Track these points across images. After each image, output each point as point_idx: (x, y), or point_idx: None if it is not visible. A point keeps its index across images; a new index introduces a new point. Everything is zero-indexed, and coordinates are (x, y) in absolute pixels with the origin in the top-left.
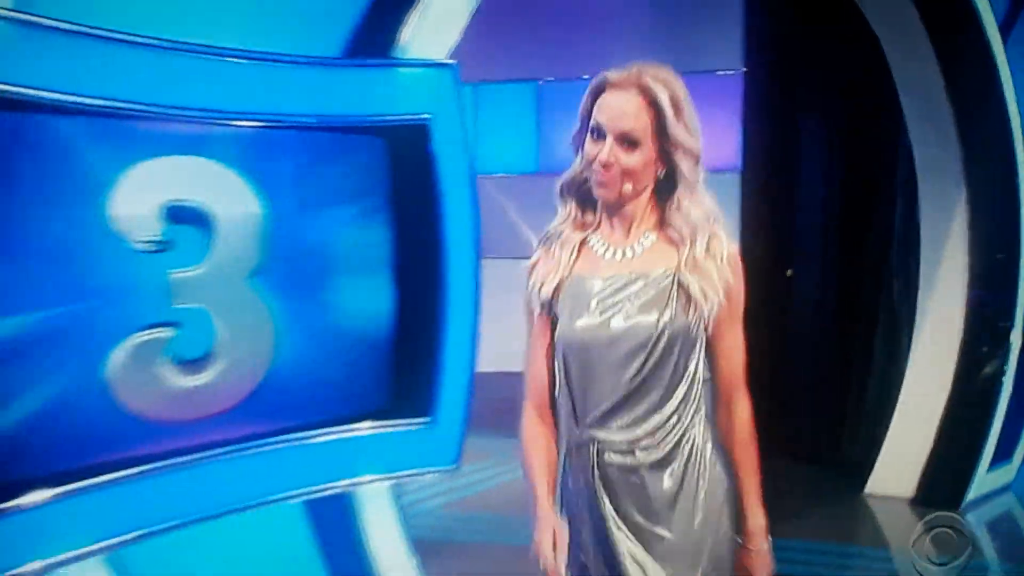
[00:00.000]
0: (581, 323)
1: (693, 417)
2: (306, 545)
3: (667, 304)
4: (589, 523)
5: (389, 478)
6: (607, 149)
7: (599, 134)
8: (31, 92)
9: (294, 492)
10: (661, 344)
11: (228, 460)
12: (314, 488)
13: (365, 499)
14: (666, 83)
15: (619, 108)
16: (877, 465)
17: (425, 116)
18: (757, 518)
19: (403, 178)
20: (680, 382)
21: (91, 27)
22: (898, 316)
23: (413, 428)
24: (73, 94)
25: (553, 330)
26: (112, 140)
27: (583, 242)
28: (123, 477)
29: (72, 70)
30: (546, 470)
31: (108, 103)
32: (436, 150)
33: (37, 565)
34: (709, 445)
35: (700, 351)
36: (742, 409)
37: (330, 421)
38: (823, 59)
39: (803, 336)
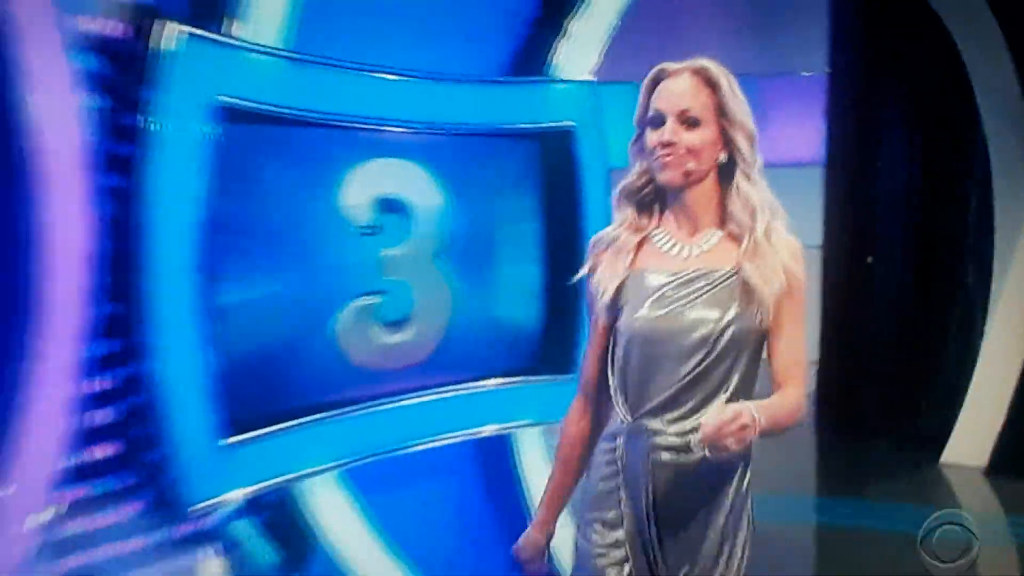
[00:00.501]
0: (644, 315)
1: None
2: (474, 477)
3: (730, 302)
4: (631, 508)
5: (541, 424)
6: (669, 129)
7: (659, 121)
8: (287, 110)
9: (467, 431)
10: (722, 341)
11: (419, 403)
12: (480, 429)
13: (521, 441)
14: (719, 68)
15: (678, 90)
16: (952, 437)
17: (570, 124)
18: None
19: (552, 175)
20: (736, 378)
21: (326, 58)
22: (972, 298)
23: (559, 382)
24: (314, 111)
25: (610, 328)
26: (340, 146)
27: (644, 240)
28: (345, 412)
29: (314, 92)
30: (564, 471)
31: (338, 117)
32: (579, 152)
33: (285, 478)
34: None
35: (759, 351)
36: (790, 399)
37: (494, 374)
38: (902, 61)
39: (884, 318)
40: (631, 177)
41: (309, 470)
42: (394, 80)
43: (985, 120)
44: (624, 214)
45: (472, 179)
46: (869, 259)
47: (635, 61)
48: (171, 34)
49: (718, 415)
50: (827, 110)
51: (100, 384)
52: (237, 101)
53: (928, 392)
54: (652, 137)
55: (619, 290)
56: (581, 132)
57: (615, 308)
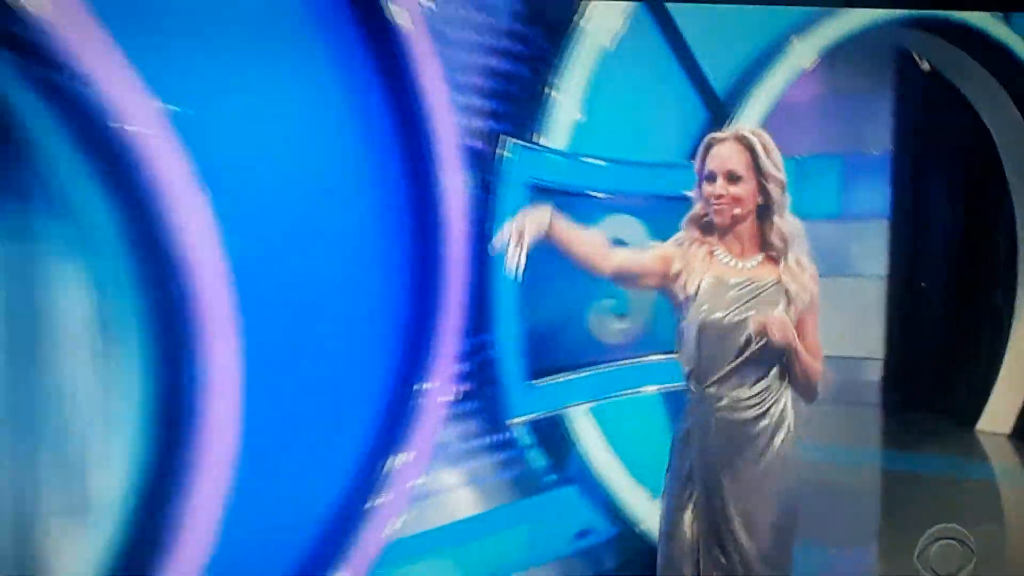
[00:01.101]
0: (718, 315)
1: (783, 388)
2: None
3: (774, 305)
4: (699, 455)
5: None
6: (719, 184)
7: (712, 177)
8: (569, 186)
9: (656, 386)
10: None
11: (630, 366)
12: (667, 385)
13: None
14: (756, 134)
15: (724, 154)
16: (985, 410)
17: None
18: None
19: None
20: (778, 361)
21: (591, 155)
22: (1001, 311)
23: None
24: (583, 187)
25: (659, 277)
26: (596, 207)
27: (711, 252)
28: (592, 370)
29: (584, 175)
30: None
31: (594, 189)
32: None
33: (560, 409)
34: (791, 408)
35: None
36: (816, 368)
37: (661, 351)
38: (948, 140)
39: (932, 324)
40: (695, 209)
41: (573, 404)
42: (624, 165)
43: (1012, 184)
44: (691, 232)
45: (669, 228)
46: (923, 284)
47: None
48: (506, 144)
49: (770, 318)
50: (891, 178)
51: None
52: (542, 181)
53: (966, 376)
54: (707, 189)
55: (699, 287)
56: None
57: (690, 297)
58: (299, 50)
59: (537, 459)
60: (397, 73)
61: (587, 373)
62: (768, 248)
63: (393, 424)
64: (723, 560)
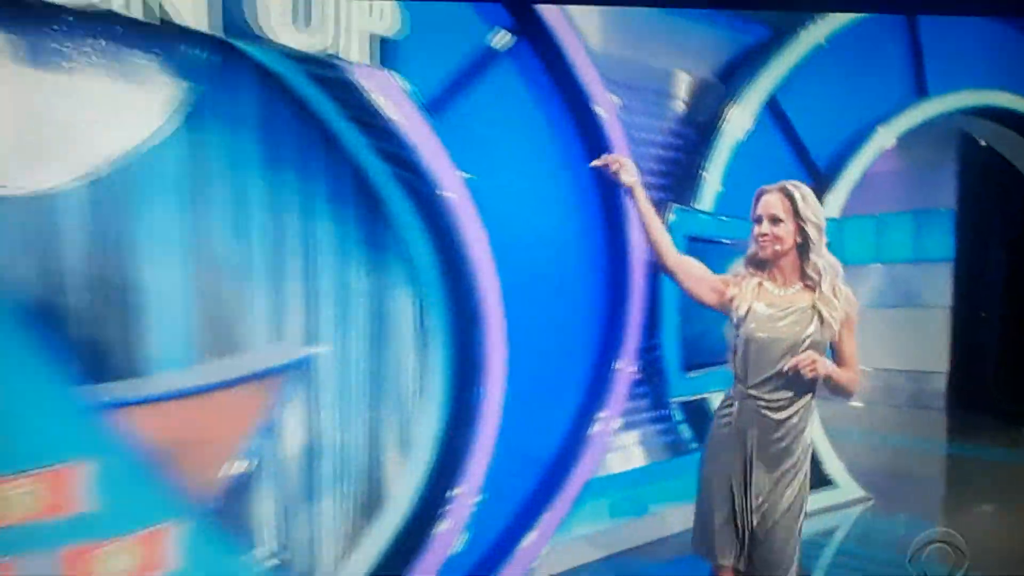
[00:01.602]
0: (760, 333)
1: (812, 393)
2: None
3: (810, 323)
4: (739, 447)
5: None
6: (765, 225)
7: (760, 220)
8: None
9: None
10: (802, 345)
11: None
12: None
13: None
14: (796, 186)
15: (770, 202)
16: None
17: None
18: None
19: None
20: (810, 381)
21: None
22: None
23: None
24: (724, 237)
25: (718, 295)
26: (731, 251)
27: (760, 283)
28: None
29: (726, 229)
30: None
31: (736, 240)
32: None
33: (703, 394)
34: (815, 412)
35: (823, 353)
36: (847, 374)
37: None
38: (1001, 200)
39: (991, 342)
40: (750, 250)
41: (713, 391)
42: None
43: None
44: (747, 268)
45: None
46: (982, 314)
47: None
48: (671, 208)
49: (803, 354)
50: (954, 230)
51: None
52: (694, 233)
53: (1013, 385)
54: (756, 229)
55: (748, 310)
56: None
57: (741, 318)
58: (537, 137)
59: (685, 430)
60: (599, 152)
61: (722, 368)
62: (806, 279)
63: (597, 394)
64: (738, 536)
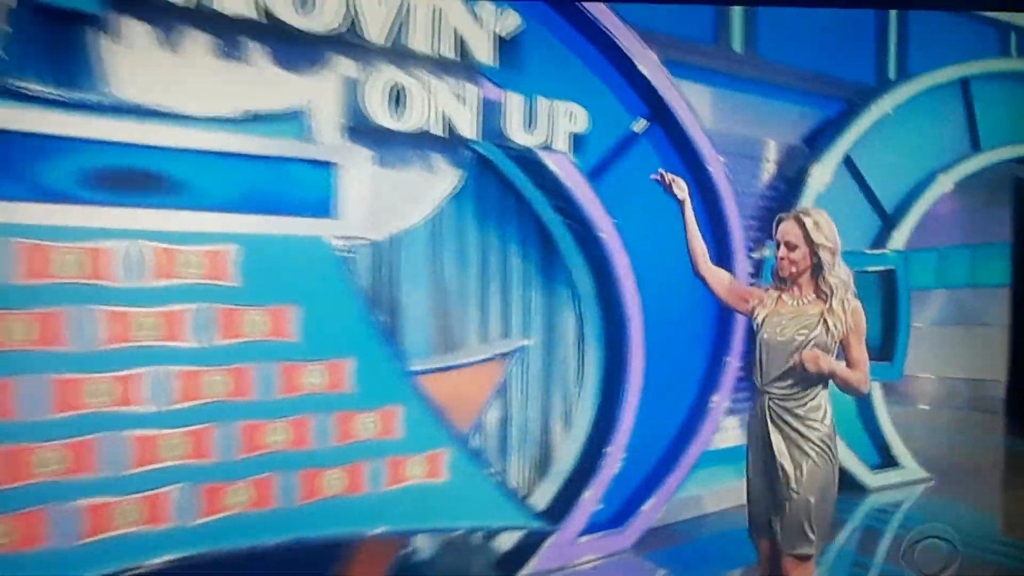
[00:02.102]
0: (776, 337)
1: (822, 389)
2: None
3: (815, 328)
4: (760, 437)
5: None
6: (782, 250)
7: (778, 244)
8: None
9: None
10: (808, 346)
11: None
12: None
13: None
14: (810, 213)
15: (785, 229)
16: None
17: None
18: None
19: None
20: (818, 375)
21: None
22: None
23: (886, 364)
24: None
25: (745, 304)
26: None
27: (780, 296)
28: None
29: None
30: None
31: None
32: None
33: None
34: (830, 405)
35: (831, 355)
36: (856, 374)
37: None
38: None
39: None
40: (774, 267)
41: None
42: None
43: None
44: (773, 281)
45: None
46: None
47: None
48: (766, 246)
49: (806, 350)
50: (1011, 259)
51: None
52: None
53: None
54: (777, 252)
55: (764, 318)
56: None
57: (758, 325)
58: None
59: None
60: (714, 202)
61: None
62: (820, 293)
63: (711, 381)
64: (778, 516)
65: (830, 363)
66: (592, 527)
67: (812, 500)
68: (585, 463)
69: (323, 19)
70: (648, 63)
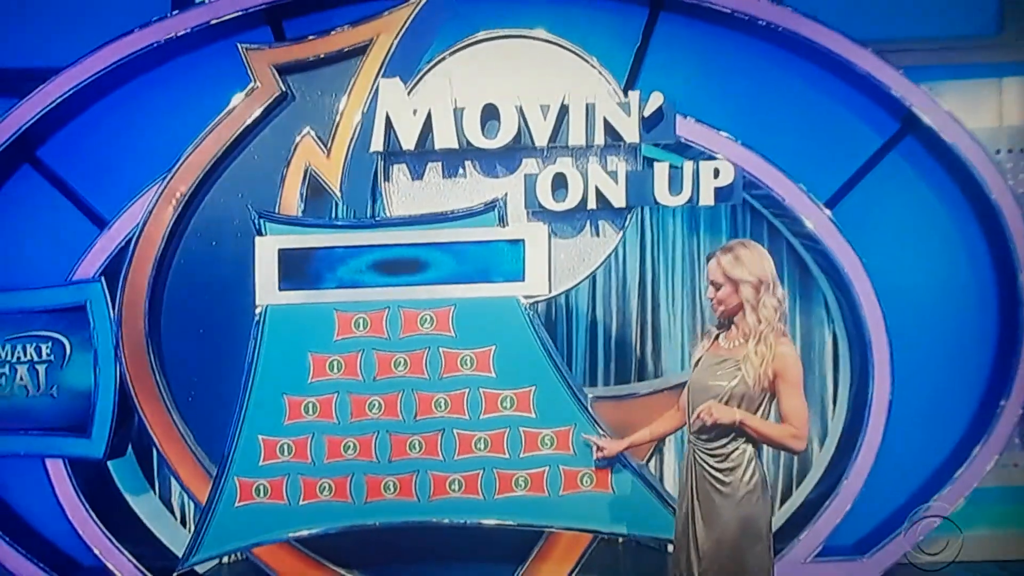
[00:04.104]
0: (696, 380)
1: (744, 443)
2: None
3: (734, 376)
4: (688, 490)
5: None
6: (710, 290)
7: (708, 284)
8: None
9: None
10: (725, 397)
11: None
12: None
13: None
14: (731, 248)
15: (710, 268)
16: None
17: None
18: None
19: None
20: (731, 428)
21: None
22: None
23: None
24: None
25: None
26: None
27: (716, 339)
28: None
29: None
30: (652, 430)
31: None
32: None
33: None
34: (756, 462)
35: (757, 407)
36: (782, 430)
37: None
38: None
39: None
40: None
41: None
42: None
43: None
44: (711, 327)
45: None
46: None
47: None
48: None
49: (703, 404)
50: None
51: None
52: None
53: None
54: (709, 292)
55: (697, 361)
56: None
57: (692, 367)
58: (926, 211)
59: None
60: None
61: None
62: (746, 334)
63: (980, 423)
64: (690, 564)
65: (728, 414)
66: (827, 551)
67: (722, 563)
68: (825, 484)
69: (503, 138)
70: (890, 74)
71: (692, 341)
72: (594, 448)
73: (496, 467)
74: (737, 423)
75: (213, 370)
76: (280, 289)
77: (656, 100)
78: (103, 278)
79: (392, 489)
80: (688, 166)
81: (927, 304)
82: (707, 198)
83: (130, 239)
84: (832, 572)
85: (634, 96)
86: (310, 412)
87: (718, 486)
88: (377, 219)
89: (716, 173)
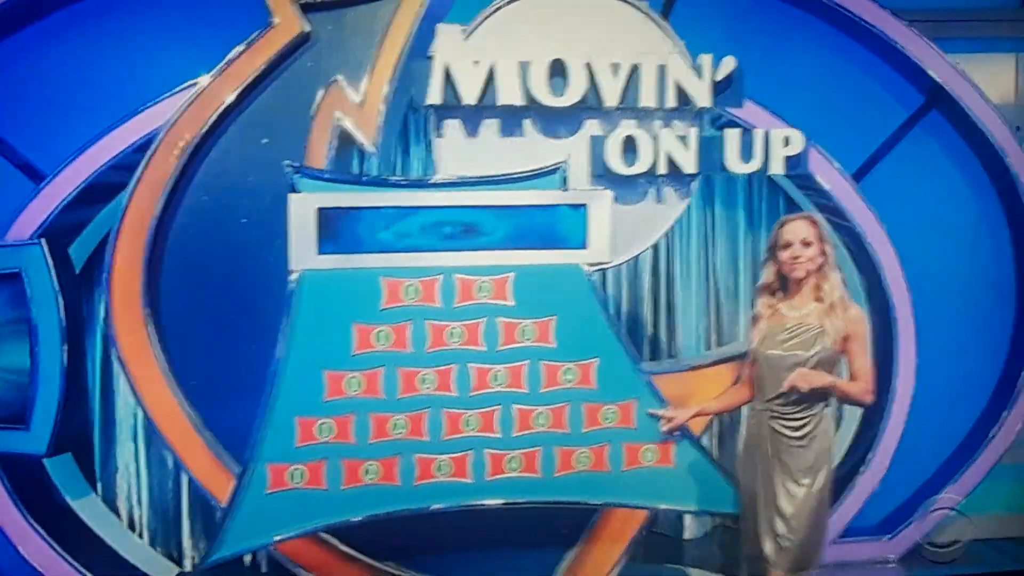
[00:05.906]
0: (772, 351)
1: (822, 409)
2: None
3: (816, 342)
4: (761, 460)
5: None
6: (797, 248)
7: (788, 245)
8: None
9: None
10: (811, 364)
11: None
12: None
13: None
14: (811, 215)
15: (799, 227)
16: None
17: None
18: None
19: None
20: (816, 394)
21: None
22: None
23: None
24: None
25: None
26: None
27: (777, 308)
28: None
29: None
30: (721, 401)
31: None
32: None
33: None
34: (831, 421)
35: (833, 370)
36: (856, 386)
37: None
38: None
39: None
40: (765, 279)
41: None
42: None
43: None
44: (762, 299)
45: None
46: None
47: None
48: None
49: (795, 373)
50: None
51: None
52: None
53: None
54: (784, 255)
55: (762, 334)
56: None
57: (761, 340)
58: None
59: None
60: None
61: None
62: (819, 299)
63: (1002, 393)
64: (770, 538)
65: (823, 379)
66: (851, 531)
67: (803, 524)
68: (847, 465)
69: (571, 95)
70: (917, 45)
71: (751, 315)
72: (662, 421)
73: (556, 444)
74: (830, 386)
75: (228, 345)
76: (320, 252)
77: (728, 64)
78: (43, 240)
79: (445, 470)
80: (759, 133)
81: (948, 279)
82: (777, 167)
83: (96, 195)
84: (857, 552)
85: (706, 59)
86: (354, 388)
87: (804, 451)
88: (430, 179)
89: (787, 141)
